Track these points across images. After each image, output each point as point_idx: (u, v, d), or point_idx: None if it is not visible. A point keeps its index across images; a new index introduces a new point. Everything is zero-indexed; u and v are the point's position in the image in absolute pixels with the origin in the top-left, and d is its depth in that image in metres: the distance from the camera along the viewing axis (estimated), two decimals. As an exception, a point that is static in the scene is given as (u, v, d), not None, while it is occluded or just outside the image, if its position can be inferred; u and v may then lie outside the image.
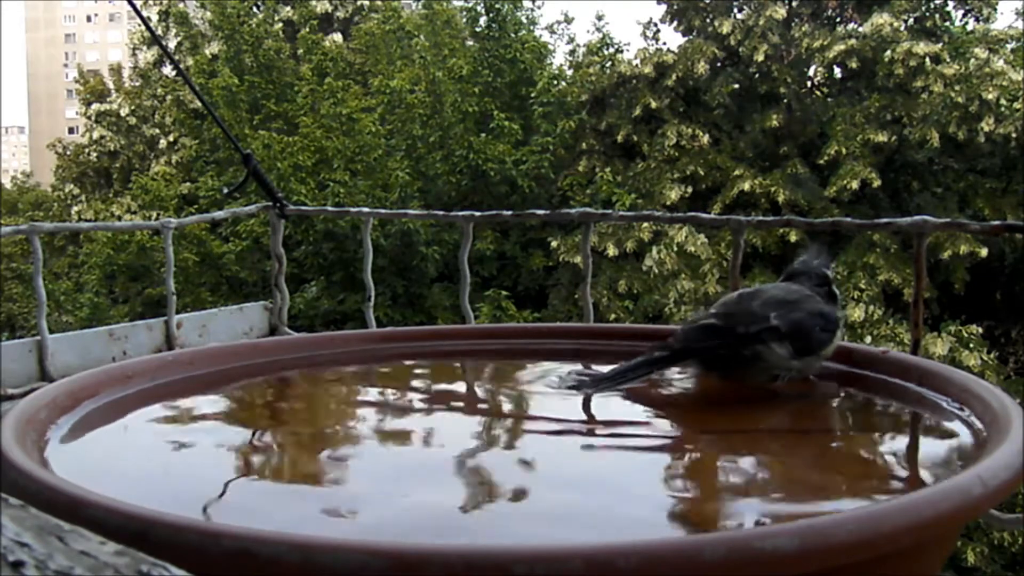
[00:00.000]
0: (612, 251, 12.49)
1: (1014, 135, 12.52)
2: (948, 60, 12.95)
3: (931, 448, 0.91)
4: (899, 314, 11.51)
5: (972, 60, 12.85)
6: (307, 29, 16.42)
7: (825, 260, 1.17)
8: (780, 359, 1.05)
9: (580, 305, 2.33)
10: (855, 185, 12.65)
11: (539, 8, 20.58)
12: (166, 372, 1.12)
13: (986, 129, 12.45)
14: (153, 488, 0.79)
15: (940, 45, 13.20)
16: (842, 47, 13.49)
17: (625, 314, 12.02)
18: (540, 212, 2.46)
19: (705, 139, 13.66)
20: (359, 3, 19.97)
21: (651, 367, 1.06)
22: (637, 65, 14.04)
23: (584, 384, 1.05)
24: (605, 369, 1.08)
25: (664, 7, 15.08)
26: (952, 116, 12.62)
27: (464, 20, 16.31)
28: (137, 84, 21.49)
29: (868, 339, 10.84)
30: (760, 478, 0.83)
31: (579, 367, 1.20)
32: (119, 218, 17.86)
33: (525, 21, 15.86)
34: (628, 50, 15.49)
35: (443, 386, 1.15)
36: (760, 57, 13.63)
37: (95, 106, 21.34)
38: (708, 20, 14.55)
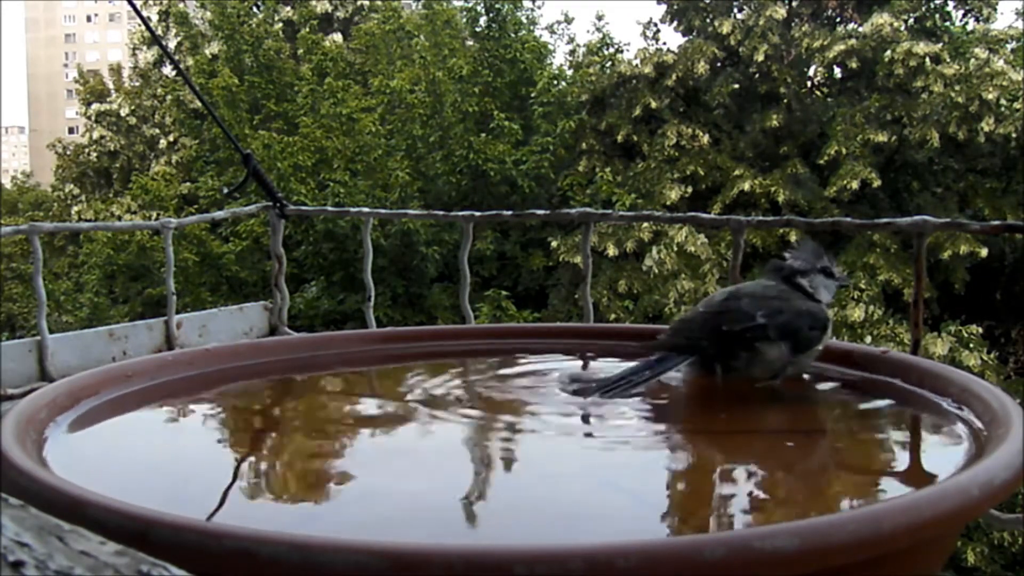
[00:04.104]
0: (612, 251, 12.48)
1: (1014, 135, 12.52)
2: (948, 60, 12.94)
3: (931, 448, 0.91)
4: (899, 314, 11.49)
5: (972, 60, 12.84)
6: (307, 29, 16.41)
7: (810, 256, 1.16)
8: (773, 358, 1.05)
9: (580, 305, 2.33)
10: (855, 185, 12.64)
11: (539, 8, 20.56)
12: (166, 372, 1.12)
13: (986, 129, 12.44)
14: (153, 487, 0.79)
15: (940, 45, 13.20)
16: (842, 47, 13.48)
17: (625, 314, 12.02)
18: (540, 212, 2.46)
19: (705, 139, 13.66)
20: (359, 3, 19.96)
21: (654, 373, 1.05)
22: (637, 65, 14.03)
23: (587, 391, 1.04)
24: (604, 372, 1.08)
25: (664, 7, 15.08)
26: (952, 116, 12.62)
27: (464, 20, 16.30)
28: (137, 84, 21.48)
29: (868, 339, 10.82)
30: (759, 478, 0.83)
31: (578, 370, 1.20)
32: (119, 218, 17.84)
33: (525, 21, 15.85)
34: (628, 50, 15.50)
35: (443, 386, 1.15)
36: (760, 57, 13.63)
37: (95, 106, 21.34)
38: (708, 20, 14.55)
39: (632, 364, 1.06)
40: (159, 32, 18.05)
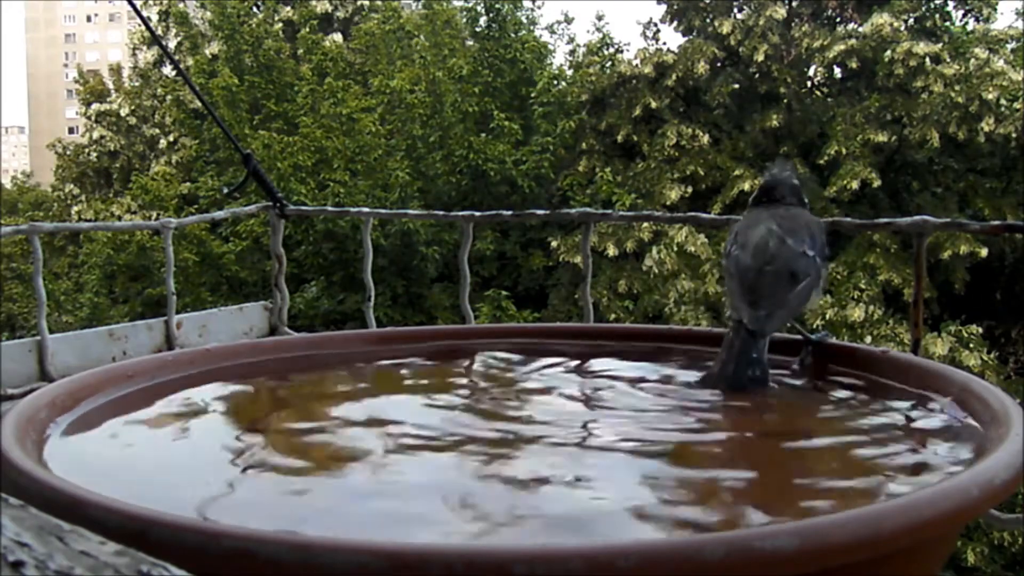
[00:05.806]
0: (612, 251, 12.48)
1: (1014, 135, 12.52)
2: (948, 60, 12.95)
3: (931, 448, 0.91)
4: (899, 314, 11.50)
5: (972, 60, 12.85)
6: (307, 29, 16.41)
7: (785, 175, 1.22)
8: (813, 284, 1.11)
9: (580, 305, 2.33)
10: (855, 185, 12.64)
11: (539, 8, 20.57)
12: (166, 372, 1.12)
13: (986, 129, 12.45)
14: (153, 488, 0.79)
15: (940, 45, 13.20)
16: (842, 47, 13.49)
17: (625, 314, 12.02)
18: (540, 212, 2.46)
19: (705, 139, 13.66)
20: (359, 3, 19.96)
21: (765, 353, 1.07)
22: (637, 65, 14.04)
23: (739, 383, 1.05)
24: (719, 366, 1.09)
25: (664, 7, 15.09)
26: (952, 116, 12.62)
27: (464, 20, 16.30)
28: (137, 84, 21.48)
29: (868, 339, 10.83)
30: (759, 478, 0.83)
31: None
32: (119, 218, 17.85)
33: (525, 21, 15.86)
34: (628, 50, 15.51)
35: (442, 387, 1.15)
36: (760, 57, 13.63)
37: (95, 106, 21.34)
38: (708, 20, 14.55)
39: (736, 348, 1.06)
40: (159, 32, 18.05)
